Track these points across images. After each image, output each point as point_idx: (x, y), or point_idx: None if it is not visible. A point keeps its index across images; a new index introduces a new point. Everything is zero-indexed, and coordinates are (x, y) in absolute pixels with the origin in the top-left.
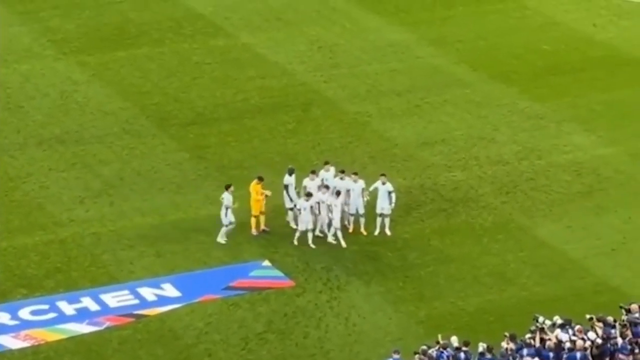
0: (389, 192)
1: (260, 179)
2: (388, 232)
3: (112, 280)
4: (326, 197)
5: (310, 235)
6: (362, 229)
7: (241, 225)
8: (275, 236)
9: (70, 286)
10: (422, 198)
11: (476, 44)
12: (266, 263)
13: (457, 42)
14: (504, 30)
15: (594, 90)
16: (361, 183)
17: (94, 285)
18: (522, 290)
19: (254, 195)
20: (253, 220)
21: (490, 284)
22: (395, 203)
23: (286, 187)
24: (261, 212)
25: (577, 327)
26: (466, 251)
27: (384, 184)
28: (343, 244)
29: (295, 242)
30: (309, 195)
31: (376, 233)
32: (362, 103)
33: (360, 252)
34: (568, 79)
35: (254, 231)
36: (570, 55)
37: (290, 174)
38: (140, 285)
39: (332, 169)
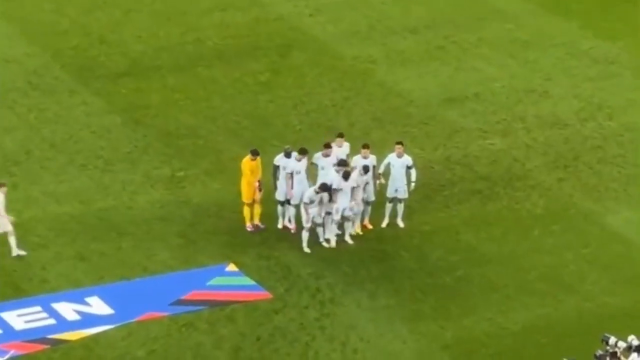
0: (408, 168)
1: (255, 153)
2: (401, 223)
3: (18, 293)
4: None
5: (322, 232)
6: (367, 222)
7: (196, 216)
8: (244, 230)
9: None
10: (447, 175)
11: None
12: (231, 268)
13: None
14: None
15: None
16: (372, 159)
17: None
18: (586, 301)
19: (245, 176)
20: (246, 210)
21: (542, 293)
22: (415, 183)
23: (276, 169)
24: (255, 200)
25: None
26: (509, 248)
27: (399, 156)
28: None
29: (307, 249)
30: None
31: (384, 224)
32: (363, 44)
33: (362, 251)
34: None
35: (248, 226)
36: None
37: (287, 155)
38: (58, 300)
39: (347, 145)
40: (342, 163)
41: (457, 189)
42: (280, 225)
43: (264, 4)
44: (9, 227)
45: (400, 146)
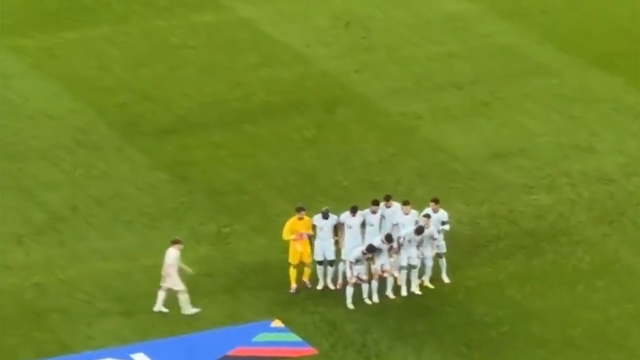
0: (442, 223)
1: (300, 210)
2: (446, 279)
3: (63, 350)
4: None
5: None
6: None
7: (242, 272)
8: (289, 286)
9: (6, 358)
10: (493, 231)
11: (566, 16)
12: (276, 323)
13: (540, 14)
14: None
15: None
16: (413, 215)
17: (39, 357)
18: (631, 357)
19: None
20: (292, 271)
21: (586, 348)
22: (446, 238)
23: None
24: (302, 262)
25: None
26: (554, 303)
27: (435, 211)
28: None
29: (351, 305)
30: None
31: (426, 281)
32: (409, 100)
33: (407, 306)
34: None
35: (292, 287)
36: None
37: (324, 216)
38: (103, 357)
39: (396, 205)
40: (388, 238)
41: (502, 244)
42: (320, 287)
43: (309, 60)
44: (181, 286)
45: (435, 203)
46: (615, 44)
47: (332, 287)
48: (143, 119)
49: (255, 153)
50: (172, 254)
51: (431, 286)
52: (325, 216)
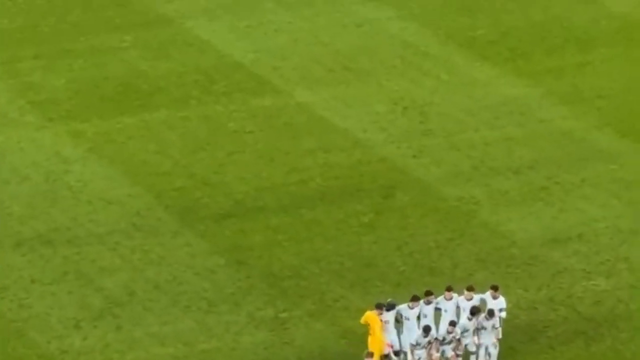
0: (500, 310)
1: (381, 307)
2: None
3: None
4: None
5: None
6: None
7: (300, 358)
8: None
9: None
10: (551, 316)
11: (625, 100)
12: None
13: (598, 98)
14: None
15: None
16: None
17: None
18: None
19: (374, 332)
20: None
21: None
22: (502, 326)
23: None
24: (383, 356)
25: None
26: None
27: (495, 298)
28: None
29: None
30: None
31: None
32: (466, 185)
33: None
34: None
35: None
36: None
37: (389, 309)
38: None
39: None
40: (474, 311)
41: (560, 329)
42: None
43: (367, 145)
44: None
45: (494, 290)
46: None
47: None
48: (201, 203)
49: (312, 238)
50: None
51: None
52: (391, 308)
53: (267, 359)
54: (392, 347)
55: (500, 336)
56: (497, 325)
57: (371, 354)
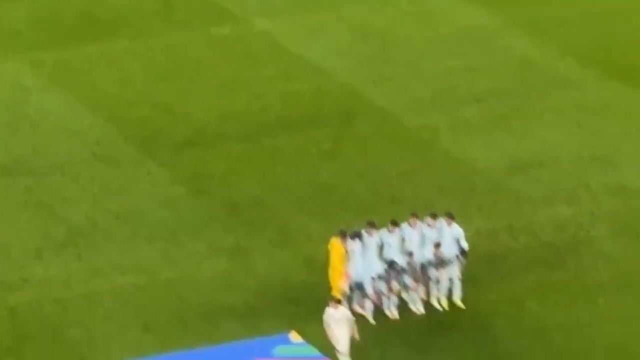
0: (457, 240)
1: (344, 234)
2: (460, 302)
3: None
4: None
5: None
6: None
7: (261, 286)
8: (309, 299)
9: None
10: (512, 244)
11: (586, 29)
12: (296, 337)
13: (561, 27)
14: (626, 10)
15: None
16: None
17: None
18: None
19: (334, 261)
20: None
21: None
22: (466, 258)
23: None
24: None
25: None
26: (575, 317)
27: (449, 225)
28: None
29: (372, 320)
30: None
31: (435, 302)
32: (428, 113)
33: (427, 320)
34: None
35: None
36: None
37: (354, 238)
38: None
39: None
40: (438, 244)
41: (522, 257)
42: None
43: (327, 73)
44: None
45: (449, 217)
46: (636, 57)
47: (359, 310)
48: (162, 132)
49: (274, 166)
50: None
51: (462, 306)
52: (355, 237)
53: (228, 287)
54: (348, 277)
55: (464, 263)
56: (460, 255)
57: (338, 300)
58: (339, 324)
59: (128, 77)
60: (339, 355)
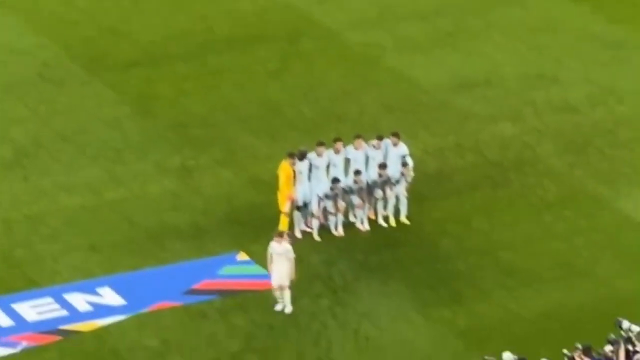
0: (403, 157)
1: (293, 156)
2: (405, 220)
3: (29, 285)
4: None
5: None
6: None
7: (207, 205)
8: (255, 219)
9: None
10: (458, 162)
11: None
12: (242, 257)
13: None
14: None
15: None
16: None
17: (5, 292)
18: (599, 286)
19: (281, 183)
20: (284, 221)
21: (554, 278)
22: (412, 176)
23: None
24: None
25: None
26: (521, 234)
27: (395, 145)
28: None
29: (318, 237)
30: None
31: (381, 220)
32: (372, 31)
33: (374, 238)
34: None
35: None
36: None
37: (301, 158)
38: (69, 291)
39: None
40: (383, 166)
41: (468, 175)
42: (299, 234)
43: None
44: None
45: (395, 137)
46: None
47: (308, 229)
48: (108, 53)
49: (219, 85)
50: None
51: (408, 222)
52: (302, 157)
53: (174, 206)
54: (292, 200)
55: (409, 180)
56: (407, 174)
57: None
58: (279, 258)
59: None
60: (276, 293)
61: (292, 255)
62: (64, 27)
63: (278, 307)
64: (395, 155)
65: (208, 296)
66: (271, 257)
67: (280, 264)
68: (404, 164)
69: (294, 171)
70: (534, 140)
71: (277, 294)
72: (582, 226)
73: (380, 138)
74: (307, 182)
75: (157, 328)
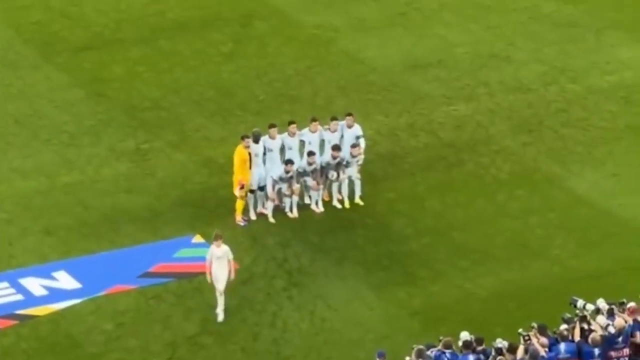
0: (357, 138)
1: (246, 138)
2: (359, 201)
3: None
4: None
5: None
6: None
7: (161, 188)
8: (210, 201)
9: None
10: (412, 142)
11: None
12: (197, 239)
13: None
14: None
15: None
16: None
17: None
18: (554, 265)
19: (236, 164)
20: (239, 204)
21: (509, 258)
22: (362, 156)
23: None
24: (251, 190)
25: (631, 305)
26: (475, 214)
27: (350, 127)
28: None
29: (272, 219)
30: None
31: (335, 202)
32: (325, 12)
33: (328, 219)
34: None
35: (239, 220)
36: None
37: (256, 140)
38: (24, 275)
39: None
40: (336, 147)
41: (421, 155)
42: (254, 216)
43: None
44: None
45: (350, 117)
46: None
47: (265, 211)
48: (59, 36)
49: (172, 68)
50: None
51: (361, 203)
52: (257, 140)
53: (129, 190)
54: (243, 184)
55: (360, 161)
56: (357, 154)
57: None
58: (219, 262)
59: None
60: (217, 294)
61: (231, 255)
62: (15, 11)
63: (219, 311)
64: (350, 136)
65: (163, 279)
66: (211, 261)
67: (222, 268)
68: (354, 145)
69: (249, 154)
70: (487, 120)
71: (219, 298)
72: (535, 205)
73: (334, 119)
74: (262, 165)
75: (113, 311)
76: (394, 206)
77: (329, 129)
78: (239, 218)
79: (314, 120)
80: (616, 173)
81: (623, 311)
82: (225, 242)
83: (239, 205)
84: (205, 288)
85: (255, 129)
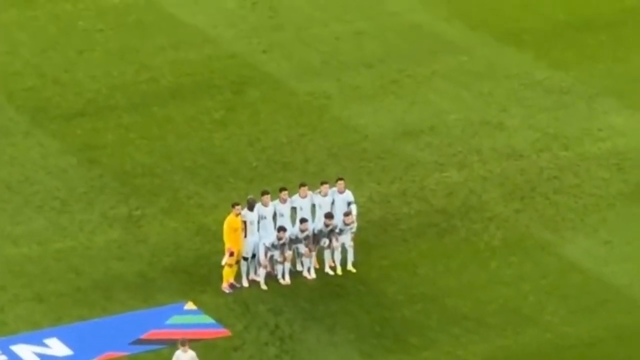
0: (348, 204)
1: (236, 206)
2: (352, 268)
3: None
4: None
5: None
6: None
7: (154, 255)
8: (202, 268)
9: None
10: (404, 209)
11: None
12: (189, 306)
13: None
14: None
15: (638, 51)
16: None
17: None
18: (545, 332)
19: (230, 236)
20: (227, 272)
21: (501, 324)
22: (356, 222)
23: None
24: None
25: None
26: (467, 281)
27: (341, 192)
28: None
29: (264, 286)
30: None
31: (327, 269)
32: (317, 80)
33: (320, 286)
34: (602, 38)
35: (225, 287)
36: (604, 5)
37: (251, 208)
38: (16, 342)
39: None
40: (329, 215)
41: (414, 222)
42: (246, 283)
43: (217, 41)
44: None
45: (341, 182)
46: (523, 20)
47: (257, 278)
48: (52, 103)
49: (165, 135)
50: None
51: (353, 270)
52: (251, 207)
53: (121, 257)
54: (232, 253)
55: (354, 229)
56: (349, 222)
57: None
58: None
59: (15, 47)
60: None
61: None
62: (8, 78)
63: None
64: (341, 202)
65: (156, 346)
66: None
67: None
68: (347, 214)
69: (244, 222)
70: (480, 186)
71: None
72: (528, 272)
73: (324, 183)
74: (257, 232)
75: None
76: (386, 273)
77: (320, 192)
78: (225, 285)
79: (302, 185)
80: (608, 240)
81: None
82: (218, 309)
83: (227, 273)
84: (199, 355)
85: (249, 197)
